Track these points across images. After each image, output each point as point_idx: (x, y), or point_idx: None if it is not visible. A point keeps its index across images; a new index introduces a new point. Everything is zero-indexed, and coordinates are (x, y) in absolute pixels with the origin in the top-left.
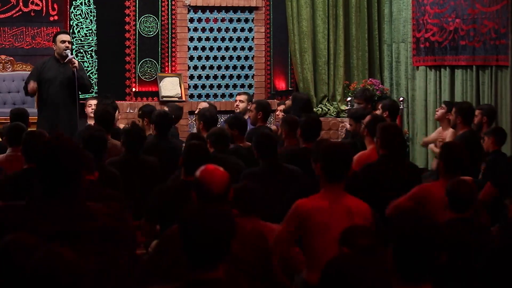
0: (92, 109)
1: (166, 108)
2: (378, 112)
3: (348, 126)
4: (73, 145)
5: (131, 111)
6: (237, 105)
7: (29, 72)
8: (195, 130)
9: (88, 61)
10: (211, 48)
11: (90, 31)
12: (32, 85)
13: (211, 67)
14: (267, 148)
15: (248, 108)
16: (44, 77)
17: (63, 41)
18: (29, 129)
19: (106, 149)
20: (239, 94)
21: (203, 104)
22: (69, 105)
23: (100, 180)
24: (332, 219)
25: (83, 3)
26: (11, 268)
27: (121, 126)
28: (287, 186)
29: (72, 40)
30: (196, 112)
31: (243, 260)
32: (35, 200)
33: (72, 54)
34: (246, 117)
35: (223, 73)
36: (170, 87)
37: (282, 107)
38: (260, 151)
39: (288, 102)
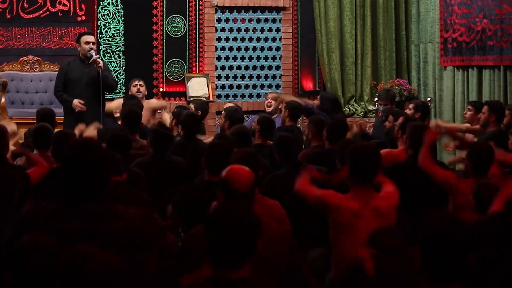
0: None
1: (192, 105)
2: (407, 112)
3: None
4: (99, 148)
5: (158, 111)
6: (269, 102)
7: (56, 73)
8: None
9: (116, 61)
10: (239, 48)
11: (118, 31)
12: (79, 105)
13: (239, 67)
14: (289, 150)
15: (280, 107)
16: (69, 78)
17: (88, 42)
18: (57, 130)
19: (130, 149)
20: (270, 93)
21: (228, 105)
22: (94, 105)
23: (126, 181)
24: (361, 221)
25: (110, 3)
26: (27, 268)
27: (167, 116)
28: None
29: (99, 40)
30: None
31: (269, 260)
32: (63, 202)
33: (96, 54)
34: (274, 116)
35: (251, 73)
36: (197, 87)
37: None
38: (280, 154)
39: (316, 102)
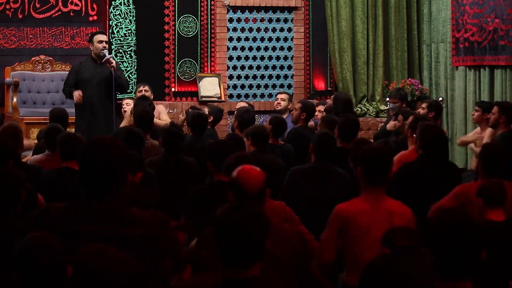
0: (124, 109)
1: (206, 109)
2: (420, 111)
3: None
4: (117, 146)
5: (170, 111)
6: (278, 103)
7: (68, 72)
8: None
9: (128, 61)
10: (250, 48)
11: (130, 31)
12: (78, 97)
13: (250, 67)
14: (327, 148)
15: (289, 107)
16: (81, 77)
17: (101, 41)
18: (66, 131)
19: (143, 146)
20: (280, 93)
21: (241, 104)
22: (106, 105)
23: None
24: (373, 222)
25: (122, 3)
26: (32, 266)
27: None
28: (332, 186)
29: (111, 40)
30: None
31: (280, 259)
32: (77, 202)
33: (109, 54)
34: (285, 116)
35: (263, 73)
36: (209, 87)
37: (320, 107)
38: (318, 149)
39: (329, 102)
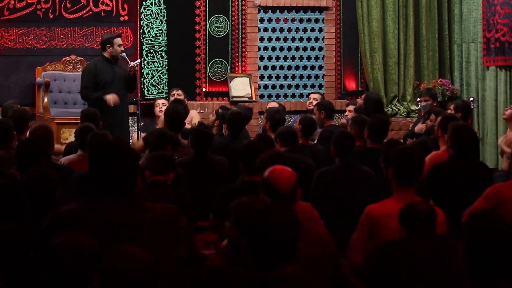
0: (160, 108)
1: (235, 108)
2: (449, 112)
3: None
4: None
5: (201, 111)
6: (310, 103)
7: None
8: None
9: (158, 61)
10: (281, 48)
11: (161, 31)
12: (116, 99)
13: (281, 67)
14: (346, 147)
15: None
16: (102, 80)
17: (120, 44)
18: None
19: (177, 146)
20: (312, 92)
21: (272, 104)
22: (124, 104)
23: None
24: None
25: (153, 3)
26: (62, 268)
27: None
28: (359, 187)
29: (141, 40)
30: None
31: (311, 260)
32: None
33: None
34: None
35: (293, 73)
36: (240, 87)
37: (351, 107)
38: (338, 150)
39: (360, 101)
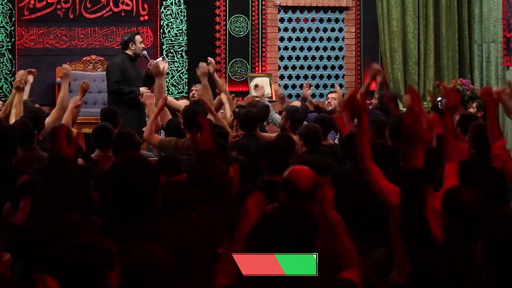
0: (193, 94)
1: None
2: (471, 111)
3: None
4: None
5: (221, 111)
6: (329, 102)
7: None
8: None
9: (179, 61)
10: (302, 48)
11: (181, 31)
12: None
13: (302, 67)
14: (354, 147)
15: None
16: (128, 76)
17: (141, 42)
18: (117, 130)
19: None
20: (331, 92)
21: (294, 104)
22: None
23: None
24: None
25: (173, 3)
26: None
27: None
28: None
29: (162, 40)
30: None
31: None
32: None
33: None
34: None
35: (314, 73)
36: None
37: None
38: (347, 152)
39: (375, 102)
